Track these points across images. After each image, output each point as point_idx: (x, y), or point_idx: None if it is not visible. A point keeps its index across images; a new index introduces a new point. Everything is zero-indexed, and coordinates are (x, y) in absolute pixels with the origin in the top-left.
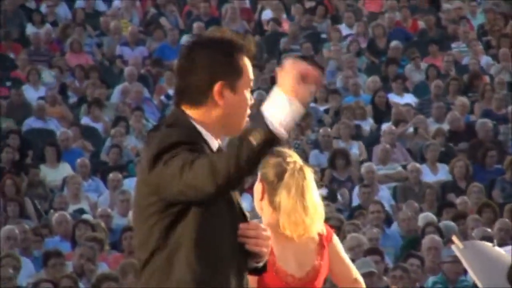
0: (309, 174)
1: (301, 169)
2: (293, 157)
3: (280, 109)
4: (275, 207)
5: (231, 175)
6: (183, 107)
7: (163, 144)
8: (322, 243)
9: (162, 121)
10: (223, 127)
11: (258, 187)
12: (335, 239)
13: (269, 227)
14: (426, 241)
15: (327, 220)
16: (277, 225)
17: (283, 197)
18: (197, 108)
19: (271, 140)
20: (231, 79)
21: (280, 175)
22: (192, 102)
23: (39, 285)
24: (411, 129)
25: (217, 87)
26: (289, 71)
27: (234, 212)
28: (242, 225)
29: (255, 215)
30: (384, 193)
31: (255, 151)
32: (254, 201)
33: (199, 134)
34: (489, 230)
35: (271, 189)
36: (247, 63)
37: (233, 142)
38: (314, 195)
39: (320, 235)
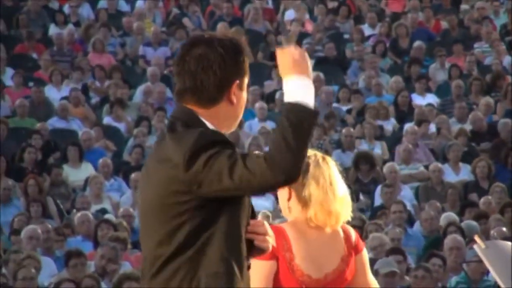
0: (332, 163)
1: (324, 159)
2: (312, 151)
3: (306, 90)
4: (305, 201)
5: (296, 160)
6: (190, 106)
7: (198, 144)
8: (350, 251)
9: (174, 120)
10: (229, 123)
11: (283, 189)
12: (365, 251)
13: (296, 224)
14: (448, 241)
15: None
16: (304, 221)
17: (312, 188)
18: (208, 106)
19: (316, 118)
20: (241, 78)
21: (304, 169)
22: (205, 101)
23: (61, 284)
24: (433, 129)
25: (234, 86)
26: (285, 56)
27: (247, 208)
28: (252, 222)
29: (277, 215)
30: (406, 193)
31: (310, 132)
32: (280, 203)
33: None
34: (504, 229)
35: (298, 185)
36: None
37: (284, 131)
38: (341, 183)
39: (348, 240)
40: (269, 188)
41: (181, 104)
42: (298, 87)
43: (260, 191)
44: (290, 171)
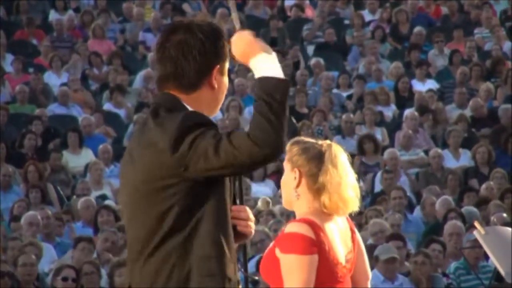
0: (344, 152)
1: (337, 146)
2: (320, 140)
3: (272, 62)
4: (319, 188)
5: (277, 134)
6: (172, 92)
7: (183, 127)
8: (352, 229)
9: (157, 106)
10: (211, 108)
11: (290, 176)
12: (357, 231)
13: (318, 213)
14: (448, 227)
15: None
16: (320, 209)
17: (330, 174)
18: (190, 92)
19: (287, 86)
20: (222, 63)
21: (319, 157)
22: (186, 86)
23: (61, 271)
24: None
25: (215, 71)
26: (240, 41)
27: (228, 194)
28: (234, 207)
29: (277, 201)
30: (406, 179)
31: (284, 103)
32: (284, 190)
33: None
34: (504, 215)
35: (313, 171)
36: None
37: (259, 107)
38: (351, 171)
39: (349, 221)
40: (257, 163)
41: (163, 91)
42: (261, 63)
43: (249, 167)
44: (274, 143)
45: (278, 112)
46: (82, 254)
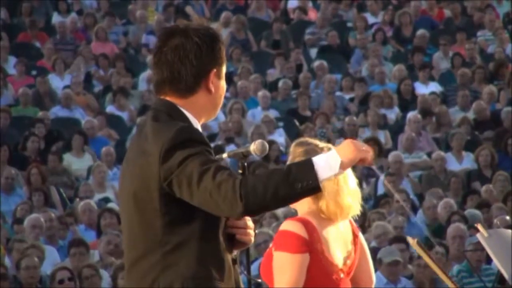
0: None
1: None
2: (323, 143)
3: (330, 169)
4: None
5: (263, 204)
6: (169, 98)
7: (176, 139)
8: (355, 232)
9: (156, 110)
10: (208, 112)
11: None
12: (360, 233)
13: (315, 215)
14: (451, 230)
15: None
16: (319, 212)
17: (328, 181)
18: (186, 96)
19: (313, 191)
20: (219, 67)
21: None
22: (183, 90)
23: (57, 273)
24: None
25: (212, 75)
26: (358, 152)
27: None
28: None
29: None
30: (408, 181)
31: (295, 195)
32: None
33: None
34: (507, 218)
35: None
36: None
37: (276, 174)
38: (352, 175)
39: (351, 224)
40: (222, 210)
41: (160, 97)
42: (330, 163)
43: (215, 210)
44: (250, 211)
45: (283, 198)
46: (75, 258)
